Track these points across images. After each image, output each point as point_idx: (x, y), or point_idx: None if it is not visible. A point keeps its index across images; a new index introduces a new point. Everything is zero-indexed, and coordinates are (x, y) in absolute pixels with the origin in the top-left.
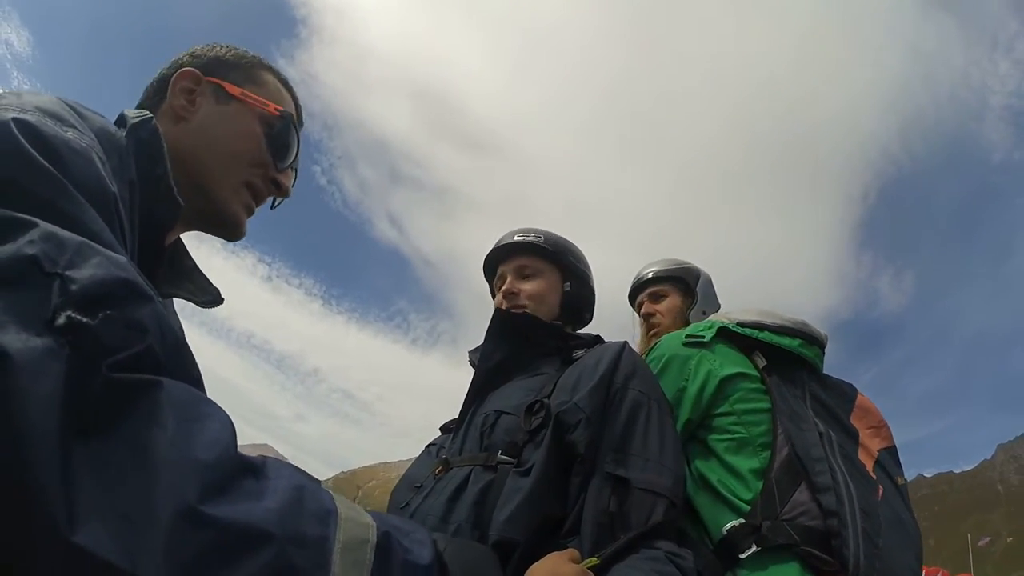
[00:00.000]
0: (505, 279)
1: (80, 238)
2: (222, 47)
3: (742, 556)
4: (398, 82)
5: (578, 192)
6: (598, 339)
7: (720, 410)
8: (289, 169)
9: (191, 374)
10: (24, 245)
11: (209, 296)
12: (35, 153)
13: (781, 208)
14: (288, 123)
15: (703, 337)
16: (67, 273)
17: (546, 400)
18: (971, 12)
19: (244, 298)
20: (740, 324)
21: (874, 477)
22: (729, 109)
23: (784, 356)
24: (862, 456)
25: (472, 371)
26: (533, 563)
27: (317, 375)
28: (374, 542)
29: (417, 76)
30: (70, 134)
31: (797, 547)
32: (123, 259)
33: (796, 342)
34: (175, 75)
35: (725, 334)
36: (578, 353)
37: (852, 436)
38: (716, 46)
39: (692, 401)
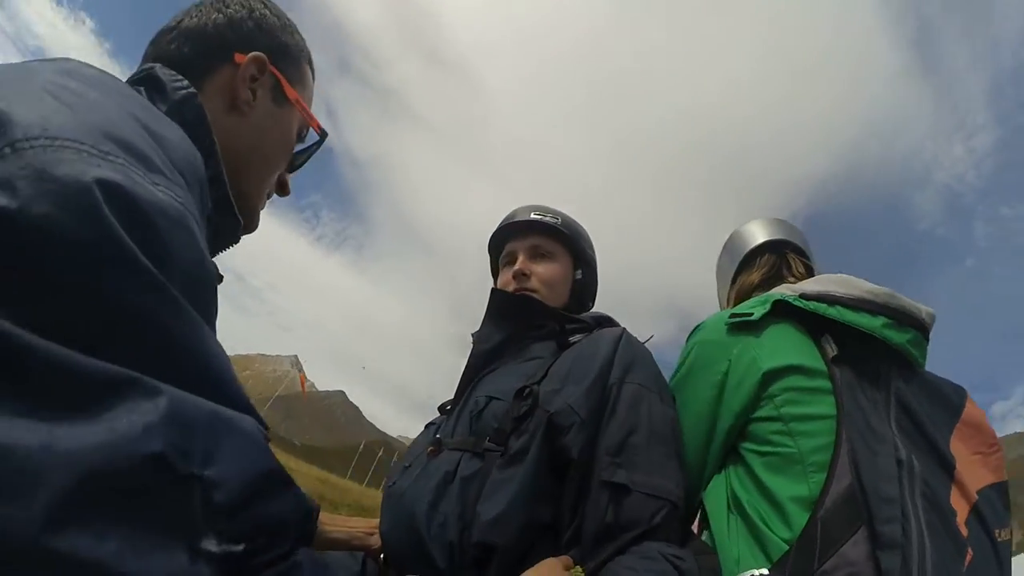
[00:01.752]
0: (515, 258)
1: (208, 408)
2: (272, 12)
3: None
4: None
5: (521, 136)
6: (600, 321)
7: (761, 413)
8: None
9: (312, 529)
10: (144, 435)
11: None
12: (131, 243)
13: (704, 210)
14: (320, 144)
15: (751, 315)
16: (206, 474)
17: (535, 386)
18: (951, 91)
19: None
20: (804, 296)
21: (965, 533)
22: (685, 104)
23: (865, 343)
24: (955, 498)
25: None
26: (519, 566)
27: None
28: None
29: None
30: (162, 191)
31: None
32: (254, 426)
33: (879, 321)
34: (248, 59)
35: (783, 310)
36: (575, 337)
37: (947, 468)
38: (691, 41)
39: (730, 404)
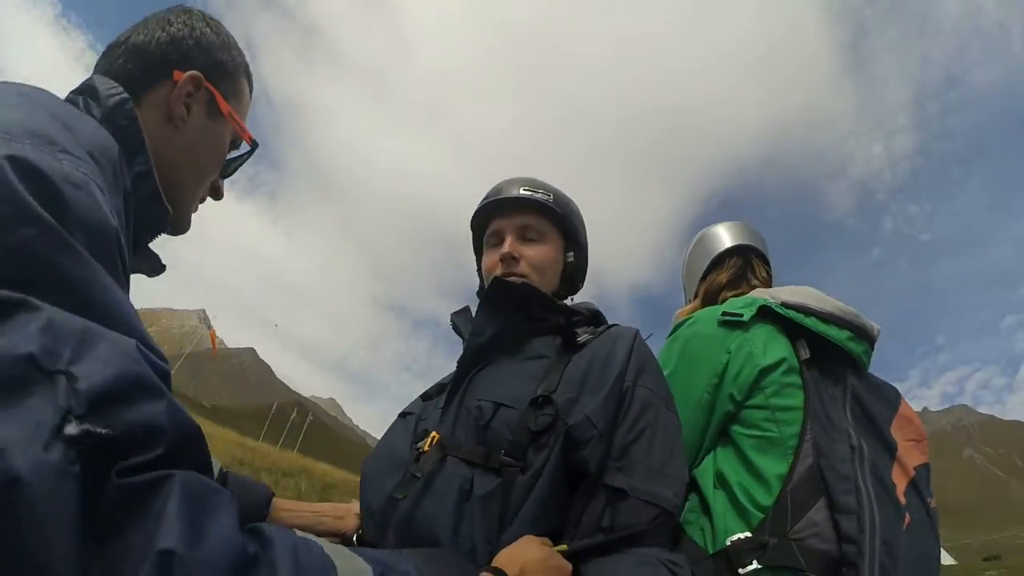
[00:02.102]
0: (502, 238)
1: (82, 322)
2: (212, 31)
3: (741, 572)
4: None
5: (446, 93)
6: (597, 316)
7: (753, 402)
8: None
9: (202, 460)
10: (20, 340)
11: (154, 264)
12: (32, 201)
13: (632, 181)
14: (251, 154)
15: (741, 316)
16: (71, 370)
17: (552, 395)
18: (874, 93)
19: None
20: (785, 304)
21: (903, 502)
22: (622, 86)
23: (828, 349)
24: (896, 475)
25: (454, 334)
26: None
27: None
28: None
29: None
30: (66, 164)
31: (802, 573)
32: (132, 344)
33: (845, 334)
34: (185, 77)
35: (767, 314)
36: (582, 335)
37: (890, 450)
38: (636, 23)
39: (729, 392)
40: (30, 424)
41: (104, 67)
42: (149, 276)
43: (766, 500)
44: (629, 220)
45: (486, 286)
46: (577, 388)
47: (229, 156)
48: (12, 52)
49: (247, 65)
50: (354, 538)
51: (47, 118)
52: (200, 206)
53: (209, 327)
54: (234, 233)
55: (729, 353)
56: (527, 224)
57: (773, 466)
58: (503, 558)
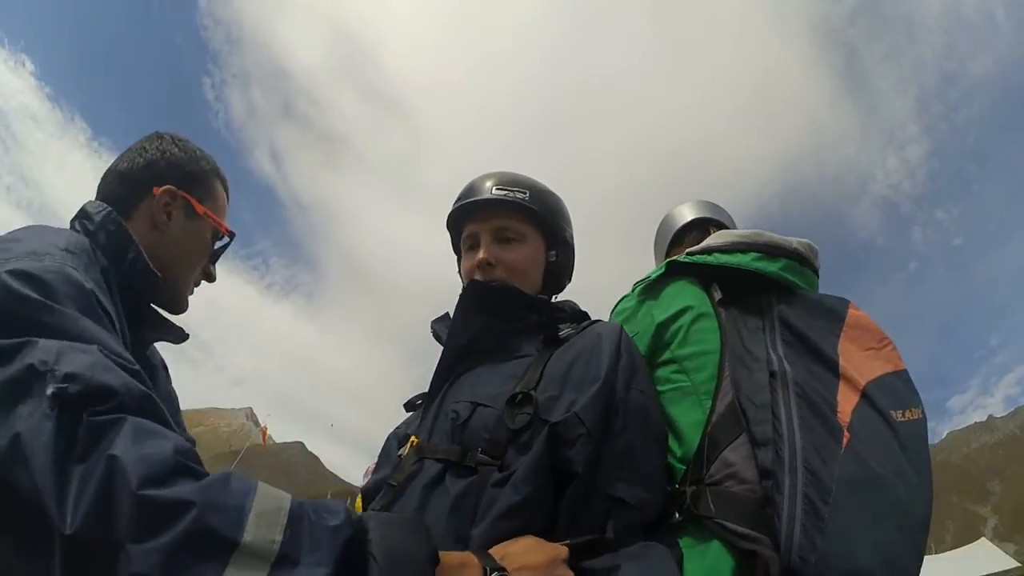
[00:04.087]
0: (478, 241)
1: (61, 343)
2: (180, 149)
3: (668, 527)
4: (320, 12)
5: (466, 174)
6: (581, 314)
7: (661, 358)
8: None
9: (158, 415)
10: (27, 358)
11: (177, 334)
12: (24, 290)
13: (638, 237)
14: (229, 243)
15: (649, 278)
16: (54, 368)
17: (532, 392)
18: (878, 107)
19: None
20: (689, 253)
21: (843, 421)
22: (625, 138)
23: (748, 282)
24: (843, 392)
25: (436, 343)
26: None
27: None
28: (287, 508)
29: (342, 12)
30: (46, 262)
31: (712, 520)
32: (92, 348)
33: (749, 256)
34: (161, 191)
35: (676, 269)
36: (564, 331)
37: (831, 366)
38: (635, 76)
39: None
40: (30, 400)
41: (102, 190)
42: (175, 343)
43: (680, 451)
44: (642, 263)
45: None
46: (559, 385)
47: (216, 246)
48: (49, 177)
49: (217, 169)
50: None
51: (37, 240)
52: (246, 308)
53: (258, 424)
54: (275, 333)
55: (638, 324)
56: (503, 226)
57: (686, 414)
58: (500, 552)
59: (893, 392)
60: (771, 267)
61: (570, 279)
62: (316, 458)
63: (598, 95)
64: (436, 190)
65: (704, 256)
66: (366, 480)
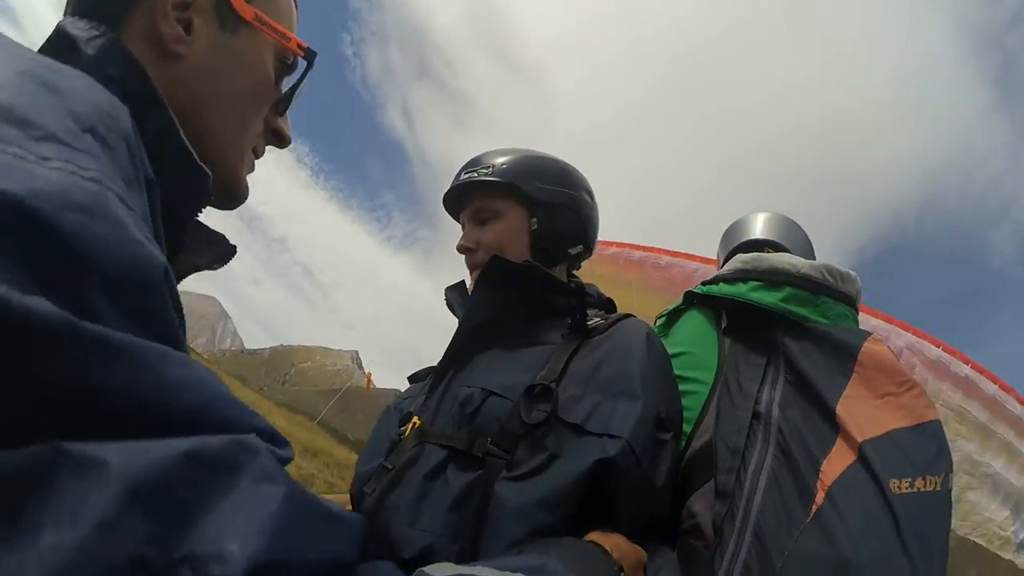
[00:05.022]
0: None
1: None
2: None
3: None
4: None
5: (593, 143)
6: (607, 301)
7: None
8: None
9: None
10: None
11: (221, 250)
12: (18, 293)
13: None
14: (310, 65)
15: (666, 312)
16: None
17: (553, 386)
18: None
19: None
20: (704, 283)
21: (823, 484)
22: (773, 135)
23: (757, 313)
24: (839, 449)
25: (447, 310)
26: None
27: (284, 244)
28: None
29: None
30: (56, 170)
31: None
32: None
33: (748, 286)
34: None
35: (692, 300)
36: (592, 319)
37: (828, 416)
38: (790, 64)
39: None
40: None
41: (70, 8)
42: (215, 268)
43: None
44: None
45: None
46: (582, 386)
47: (284, 82)
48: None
49: None
50: None
51: (16, 77)
52: (365, 257)
53: (362, 367)
54: (390, 283)
55: None
56: (477, 208)
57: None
58: (609, 544)
59: (902, 452)
60: (768, 297)
61: (577, 241)
62: None
63: (755, 84)
64: (564, 157)
65: (711, 287)
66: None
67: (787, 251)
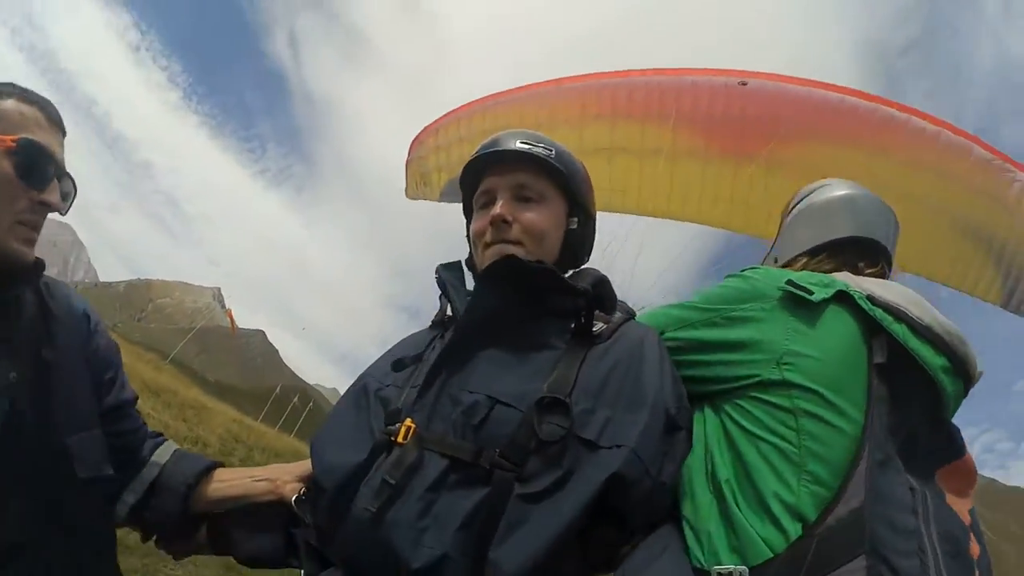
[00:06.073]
0: (494, 198)
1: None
2: None
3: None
4: None
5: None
6: (603, 283)
7: (771, 397)
8: (54, 181)
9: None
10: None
11: (26, 276)
12: None
13: None
14: (30, 149)
15: (811, 294)
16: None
17: (567, 400)
18: None
19: (101, 59)
20: (871, 299)
21: (976, 555)
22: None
23: (912, 369)
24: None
25: (433, 284)
26: None
27: (148, 170)
28: None
29: None
30: None
31: None
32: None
33: (940, 361)
34: None
35: (844, 301)
36: (597, 324)
37: (942, 497)
38: (678, 61)
39: (747, 367)
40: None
41: None
42: (31, 284)
43: (772, 535)
44: None
45: (476, 253)
46: (592, 398)
47: (16, 164)
48: (54, 22)
49: (3, 87)
50: (293, 500)
51: None
52: (235, 189)
53: (224, 306)
54: (259, 220)
55: (761, 333)
56: (523, 183)
57: (774, 483)
58: None
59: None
60: (952, 387)
61: (589, 255)
62: (275, 350)
63: (629, 54)
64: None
65: (890, 319)
66: None
67: (889, 253)
